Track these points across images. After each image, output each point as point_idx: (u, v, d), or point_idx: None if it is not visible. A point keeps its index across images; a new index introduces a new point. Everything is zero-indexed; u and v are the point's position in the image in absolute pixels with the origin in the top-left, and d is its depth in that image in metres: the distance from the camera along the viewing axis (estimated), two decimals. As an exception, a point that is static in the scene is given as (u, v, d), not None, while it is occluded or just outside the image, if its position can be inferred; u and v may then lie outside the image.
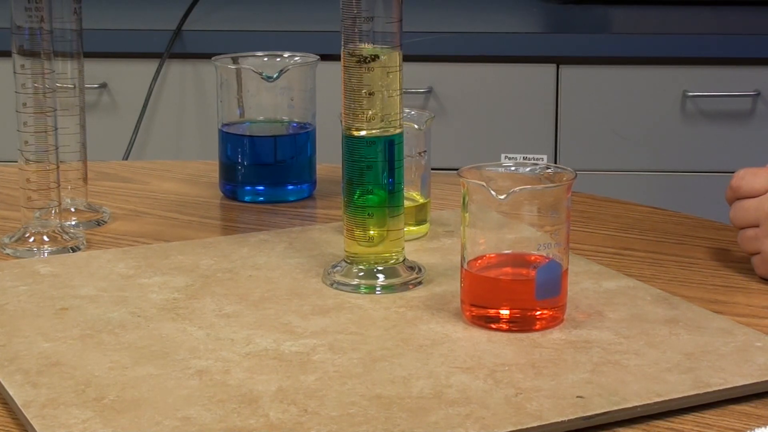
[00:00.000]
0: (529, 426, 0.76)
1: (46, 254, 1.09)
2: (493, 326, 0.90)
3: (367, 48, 0.95)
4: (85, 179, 1.21)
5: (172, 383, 0.82)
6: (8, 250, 1.10)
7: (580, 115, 2.15)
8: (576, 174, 0.91)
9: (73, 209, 1.20)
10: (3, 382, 0.82)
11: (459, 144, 2.16)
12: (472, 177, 0.90)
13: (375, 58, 0.96)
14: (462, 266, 0.92)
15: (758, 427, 0.78)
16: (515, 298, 0.90)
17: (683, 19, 2.31)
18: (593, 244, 1.13)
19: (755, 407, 0.81)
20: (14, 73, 1.08)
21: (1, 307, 0.95)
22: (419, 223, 1.12)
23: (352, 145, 0.98)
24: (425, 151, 1.13)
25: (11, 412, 0.81)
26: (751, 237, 1.03)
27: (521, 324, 0.90)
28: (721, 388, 0.81)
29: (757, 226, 1.02)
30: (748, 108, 2.14)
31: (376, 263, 1.00)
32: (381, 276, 0.99)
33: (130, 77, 2.19)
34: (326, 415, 0.77)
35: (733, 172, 1.05)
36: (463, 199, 0.91)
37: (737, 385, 0.82)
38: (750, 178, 1.03)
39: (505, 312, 0.90)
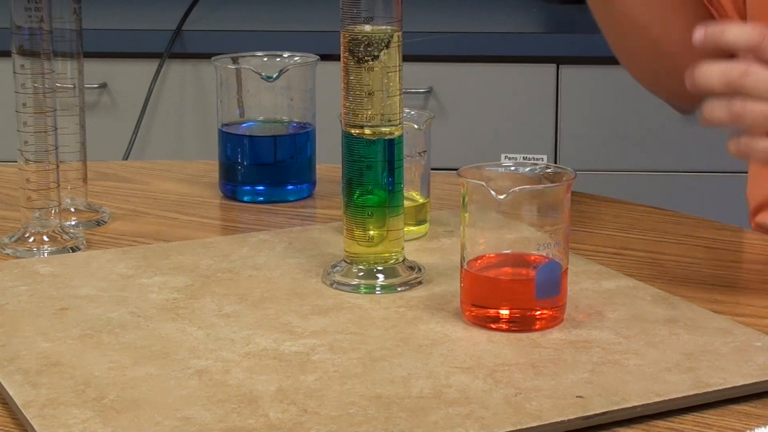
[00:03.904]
0: (529, 426, 0.76)
1: (46, 254, 1.09)
2: (493, 326, 0.90)
3: (365, 30, 0.95)
4: (84, 179, 1.21)
5: (172, 383, 0.82)
6: (8, 250, 1.10)
7: (580, 115, 2.15)
8: (576, 174, 0.91)
9: (72, 209, 1.20)
10: (3, 382, 0.82)
11: (459, 144, 2.16)
12: (472, 177, 0.90)
13: (375, 57, 0.96)
14: (462, 266, 0.92)
15: (758, 427, 0.78)
16: (515, 298, 0.90)
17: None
18: (593, 244, 1.13)
19: (755, 407, 0.81)
20: (14, 73, 1.08)
21: (1, 307, 0.95)
22: (419, 223, 1.12)
23: (352, 145, 0.98)
24: (425, 151, 1.12)
25: (11, 412, 0.81)
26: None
27: (521, 324, 0.90)
28: (721, 387, 0.81)
29: None
30: (748, 108, 2.13)
31: (376, 263, 0.99)
32: (381, 276, 0.99)
33: (130, 77, 2.19)
34: (326, 415, 0.77)
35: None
36: (463, 199, 0.91)
37: (737, 384, 0.82)
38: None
39: (504, 312, 0.90)
